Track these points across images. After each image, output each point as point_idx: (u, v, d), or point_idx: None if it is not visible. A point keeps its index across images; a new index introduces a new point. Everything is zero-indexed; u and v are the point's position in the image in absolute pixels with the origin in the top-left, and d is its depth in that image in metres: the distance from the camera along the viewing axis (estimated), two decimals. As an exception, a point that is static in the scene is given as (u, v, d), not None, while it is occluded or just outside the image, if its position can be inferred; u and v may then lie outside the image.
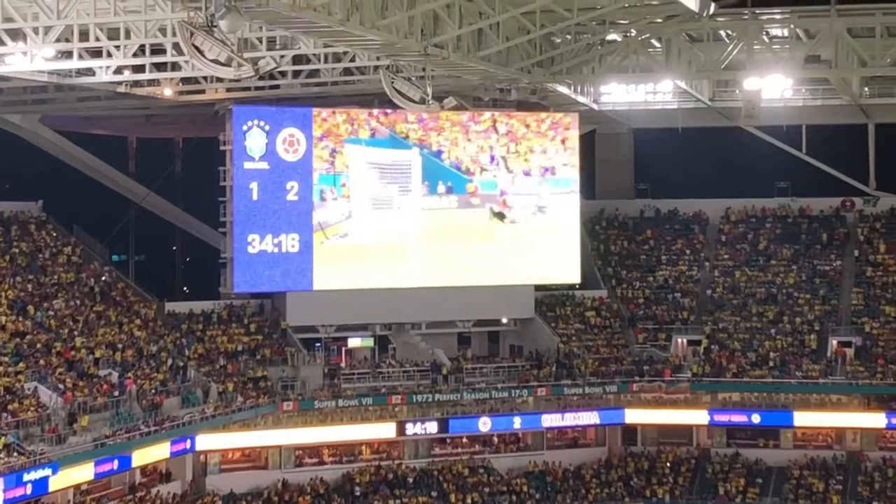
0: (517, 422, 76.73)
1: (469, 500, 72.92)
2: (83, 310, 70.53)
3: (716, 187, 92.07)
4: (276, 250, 75.59)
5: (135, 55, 56.79)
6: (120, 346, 68.37)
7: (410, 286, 78.18)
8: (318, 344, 77.62)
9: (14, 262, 72.12)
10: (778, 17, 68.43)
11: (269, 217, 75.47)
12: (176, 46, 54.43)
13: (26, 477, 54.16)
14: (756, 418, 77.02)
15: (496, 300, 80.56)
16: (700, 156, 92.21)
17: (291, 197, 75.92)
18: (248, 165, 75.21)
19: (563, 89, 74.25)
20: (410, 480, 73.68)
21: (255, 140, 75.12)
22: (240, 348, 74.40)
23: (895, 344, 78.52)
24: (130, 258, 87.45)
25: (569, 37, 66.65)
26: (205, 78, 66.54)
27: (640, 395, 77.87)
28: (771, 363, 78.17)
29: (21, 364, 62.09)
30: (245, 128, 74.94)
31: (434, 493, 73.09)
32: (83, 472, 59.00)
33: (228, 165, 75.76)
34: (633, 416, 78.05)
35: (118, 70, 61.35)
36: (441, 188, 79.09)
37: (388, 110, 75.40)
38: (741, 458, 77.69)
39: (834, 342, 78.79)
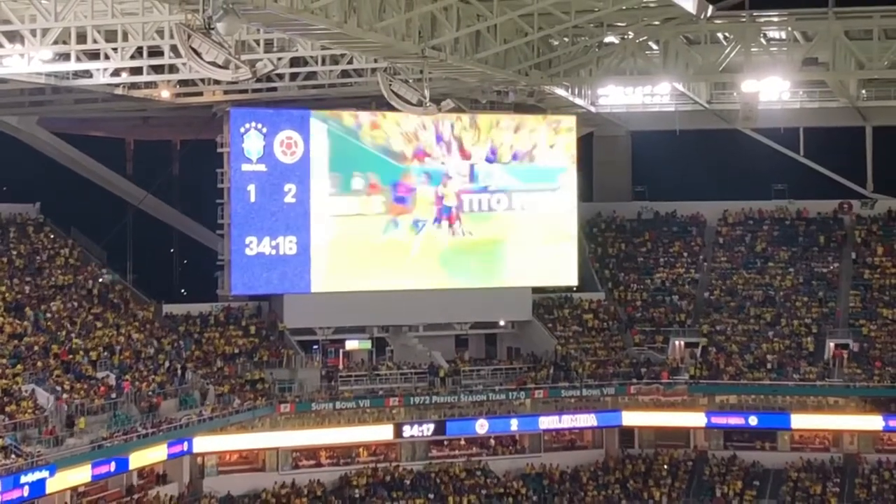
0: (514, 424, 76.73)
1: (466, 503, 72.91)
2: (81, 312, 70.55)
3: (713, 190, 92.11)
4: (273, 252, 75.58)
5: (132, 57, 56.80)
6: (117, 348, 68.36)
7: (408, 288, 78.21)
8: (315, 346, 77.71)
9: (12, 264, 72.15)
10: (775, 19, 68.58)
11: (267, 219, 75.48)
12: (173, 49, 54.47)
13: (23, 479, 54.09)
14: (753, 420, 76.94)
15: (493, 302, 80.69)
16: (697, 158, 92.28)
17: (289, 199, 75.92)
18: (245, 167, 75.23)
19: (560, 92, 74.33)
20: (408, 482, 73.65)
21: (252, 142, 75.15)
22: (237, 350, 74.41)
23: (892, 346, 78.56)
24: (128, 260, 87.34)
25: (566, 39, 66.80)
26: (202, 80, 66.63)
27: (637, 397, 77.86)
28: (768, 365, 78.20)
29: (19, 366, 62.09)
30: (243, 130, 74.96)
31: (431, 496, 73.05)
32: (80, 475, 58.89)
33: (226, 167, 75.78)
34: (631, 418, 78.00)
35: (115, 72, 61.31)
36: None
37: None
38: (738, 460, 77.64)
39: (831, 345, 78.79)
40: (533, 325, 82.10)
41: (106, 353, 67.33)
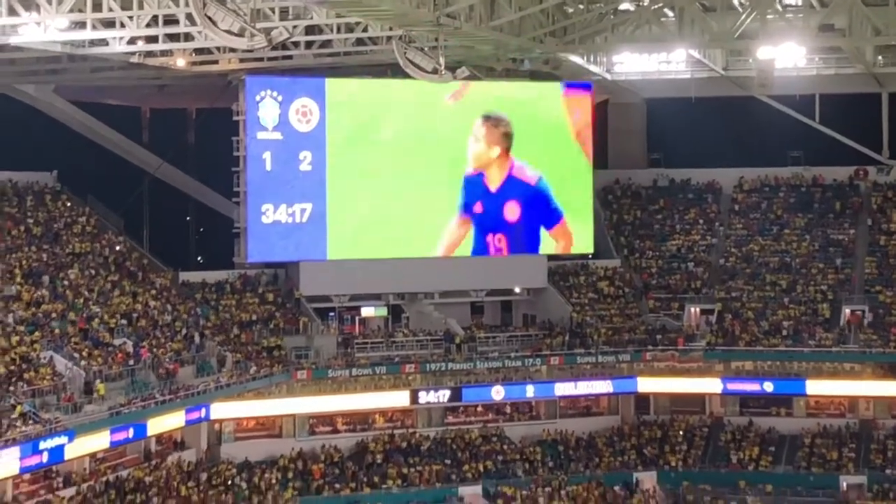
0: (530, 390, 76.93)
1: (482, 468, 73.19)
2: (98, 279, 70.87)
3: (729, 156, 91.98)
4: (289, 220, 75.73)
5: (148, 25, 56.93)
6: (135, 315, 68.71)
7: (424, 256, 78.36)
8: (331, 313, 77.89)
9: (29, 233, 72.46)
10: (791, -15, 68.36)
11: (283, 187, 75.60)
12: (189, 17, 54.59)
13: (42, 445, 54.63)
14: (769, 387, 77.01)
15: (509, 270, 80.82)
16: (713, 125, 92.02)
17: (305, 167, 76.02)
18: (261, 136, 75.32)
19: (575, 59, 74.19)
20: (424, 448, 73.97)
21: (268, 110, 75.21)
22: (254, 318, 74.70)
23: (908, 312, 78.69)
24: (144, 228, 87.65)
25: (581, 6, 66.52)
26: (218, 48, 66.60)
27: (652, 363, 77.95)
28: (784, 332, 78.27)
29: (37, 333, 62.46)
30: (258, 98, 75.02)
31: (447, 461, 73.34)
32: (99, 441, 59.34)
33: (242, 136, 75.86)
34: (646, 384, 78.10)
35: (131, 40, 61.27)
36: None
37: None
38: (754, 426, 77.75)
39: (847, 311, 78.82)
40: (548, 292, 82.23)
41: (123, 321, 67.69)
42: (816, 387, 76.89)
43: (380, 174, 77.33)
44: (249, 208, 75.48)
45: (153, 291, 72.58)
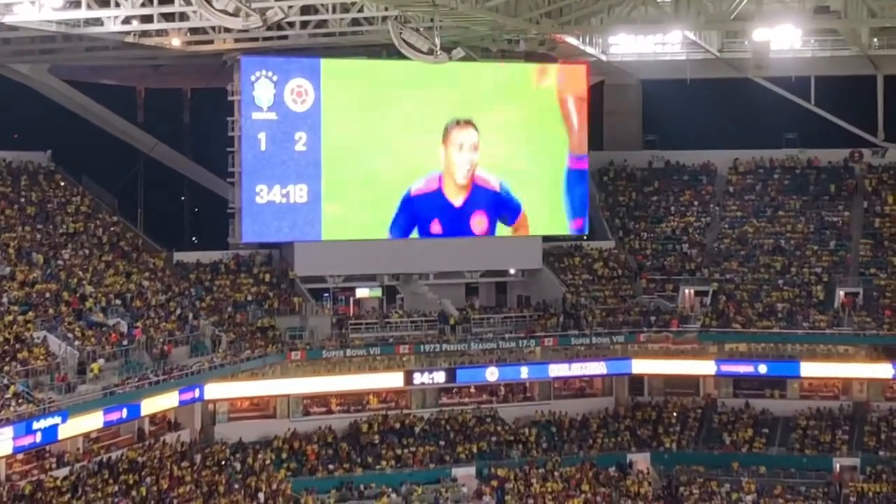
0: (524, 372, 77.00)
1: (476, 449, 73.30)
2: (92, 259, 70.75)
3: (724, 138, 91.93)
4: (284, 201, 75.61)
5: (143, 5, 56.84)
6: (129, 295, 68.63)
7: (418, 237, 78.35)
8: (326, 294, 77.87)
9: (23, 212, 72.26)
10: (787, -34, 68.14)
11: (278, 167, 75.47)
12: (184, -4, 54.43)
13: (36, 425, 54.52)
14: (763, 369, 77.23)
15: (504, 251, 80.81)
16: (708, 107, 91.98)
17: (300, 147, 75.89)
18: (256, 116, 75.16)
19: (571, 40, 74.02)
20: (418, 429, 74.08)
21: (263, 90, 75.05)
22: (248, 298, 74.63)
23: (903, 295, 78.77)
24: (139, 208, 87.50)
25: (577, -13, 66.42)
26: (213, 28, 66.39)
27: (647, 345, 78.11)
28: (778, 314, 78.29)
29: (30, 313, 62.37)
30: (253, 78, 74.83)
31: (441, 442, 73.48)
32: (92, 421, 59.31)
33: (236, 116, 75.67)
34: (640, 366, 78.29)
35: (126, 20, 61.21)
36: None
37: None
38: (748, 408, 77.96)
39: (841, 293, 78.88)
40: (543, 273, 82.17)
41: (117, 301, 67.60)
42: (810, 369, 77.19)
43: (375, 155, 77.17)
44: (244, 188, 75.33)
45: (147, 272, 72.49)
